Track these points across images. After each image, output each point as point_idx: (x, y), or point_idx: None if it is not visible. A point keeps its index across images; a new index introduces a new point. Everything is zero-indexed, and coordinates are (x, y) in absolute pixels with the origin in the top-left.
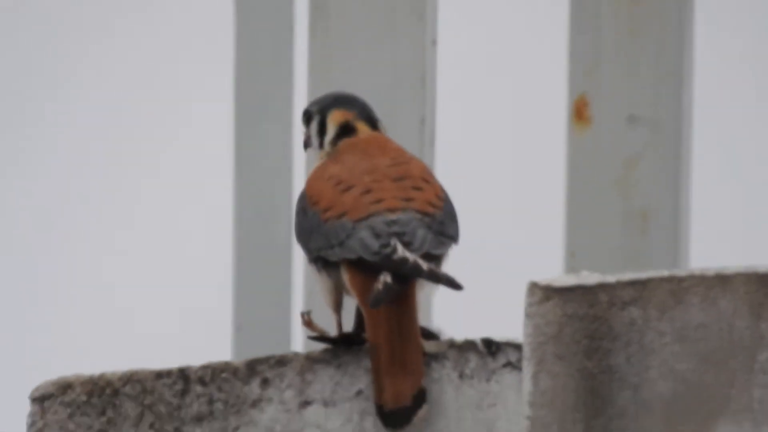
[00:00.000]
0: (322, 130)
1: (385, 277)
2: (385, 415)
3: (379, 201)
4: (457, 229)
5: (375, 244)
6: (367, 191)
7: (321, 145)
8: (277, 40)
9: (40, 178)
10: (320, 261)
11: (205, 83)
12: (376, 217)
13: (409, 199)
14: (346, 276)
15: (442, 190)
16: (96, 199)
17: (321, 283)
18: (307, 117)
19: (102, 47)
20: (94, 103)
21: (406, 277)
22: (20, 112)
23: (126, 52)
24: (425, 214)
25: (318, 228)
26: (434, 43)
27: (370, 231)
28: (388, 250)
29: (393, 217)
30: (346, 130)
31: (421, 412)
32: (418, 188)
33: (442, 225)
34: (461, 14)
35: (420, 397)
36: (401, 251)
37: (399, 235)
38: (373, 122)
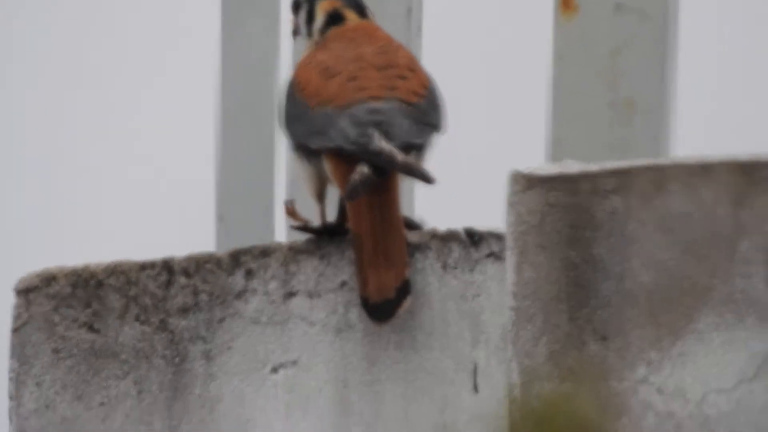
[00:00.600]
0: (310, 19)
1: (363, 168)
2: (369, 307)
3: (363, 89)
4: (440, 118)
5: (353, 133)
6: (352, 78)
7: (309, 33)
8: None
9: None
10: (303, 149)
11: None
12: (358, 106)
13: (393, 88)
14: (328, 165)
15: (429, 79)
16: (80, 91)
17: (304, 172)
18: (296, 5)
19: None
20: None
21: (381, 168)
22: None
23: None
24: (408, 103)
25: (303, 115)
26: None
27: (350, 120)
28: (364, 140)
29: (375, 105)
30: (334, 19)
31: (406, 304)
32: (403, 77)
33: (425, 114)
34: None
35: (404, 289)
36: (377, 141)
37: (379, 125)
38: (361, 11)
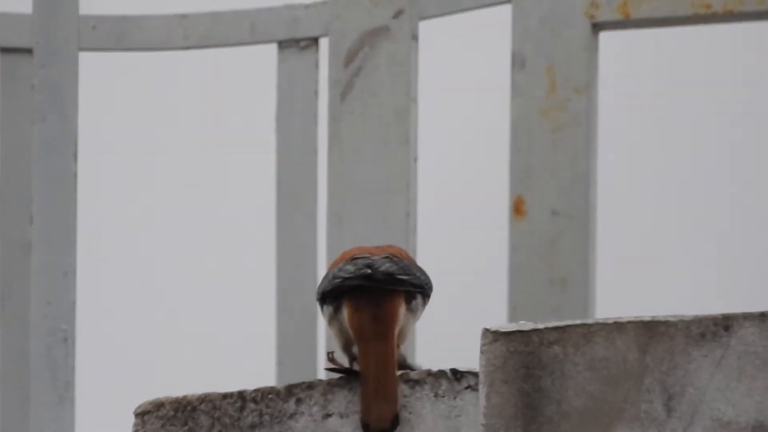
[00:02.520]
0: None
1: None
2: (367, 430)
3: (362, 251)
4: (426, 280)
5: (352, 269)
6: (356, 251)
7: None
8: (305, 161)
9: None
10: (326, 303)
11: (249, 180)
12: (357, 259)
13: (384, 252)
14: (345, 315)
15: (414, 262)
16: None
17: (332, 330)
18: None
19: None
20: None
21: (369, 278)
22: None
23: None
24: (396, 257)
25: (324, 277)
26: (416, 160)
27: (352, 264)
28: (359, 272)
29: (369, 257)
30: None
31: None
32: (393, 254)
33: (410, 268)
34: (433, 141)
35: (395, 421)
36: (366, 269)
37: (370, 266)
38: None
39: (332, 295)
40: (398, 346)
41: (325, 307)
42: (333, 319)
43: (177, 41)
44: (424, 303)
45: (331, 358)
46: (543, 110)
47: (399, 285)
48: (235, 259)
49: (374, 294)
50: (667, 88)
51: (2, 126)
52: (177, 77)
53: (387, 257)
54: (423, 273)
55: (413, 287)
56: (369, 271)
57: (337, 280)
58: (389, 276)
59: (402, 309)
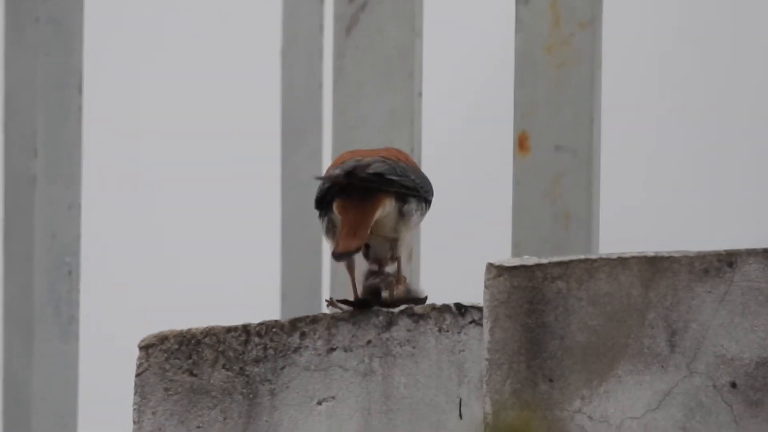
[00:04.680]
0: None
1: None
2: (335, 254)
3: (354, 154)
4: (422, 183)
5: (339, 172)
6: (349, 153)
7: None
8: (311, 94)
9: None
10: (321, 215)
11: (254, 114)
12: (348, 161)
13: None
14: (335, 209)
15: (416, 166)
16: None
17: (328, 239)
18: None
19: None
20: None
21: (350, 175)
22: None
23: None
24: (390, 159)
25: (320, 185)
26: (420, 94)
27: (341, 168)
28: (345, 170)
29: (361, 159)
30: None
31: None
32: (388, 155)
33: (405, 170)
34: (438, 76)
35: (358, 249)
36: (351, 166)
37: (358, 162)
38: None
39: (324, 203)
40: (396, 258)
41: (321, 220)
42: (328, 229)
43: None
44: (421, 209)
45: (331, 302)
46: (547, 45)
47: (387, 185)
48: (240, 194)
49: (361, 192)
50: (671, 22)
51: (7, 59)
52: (182, 11)
53: (379, 159)
54: (421, 177)
55: (404, 188)
56: (352, 166)
57: (325, 184)
58: (376, 175)
59: (388, 203)
